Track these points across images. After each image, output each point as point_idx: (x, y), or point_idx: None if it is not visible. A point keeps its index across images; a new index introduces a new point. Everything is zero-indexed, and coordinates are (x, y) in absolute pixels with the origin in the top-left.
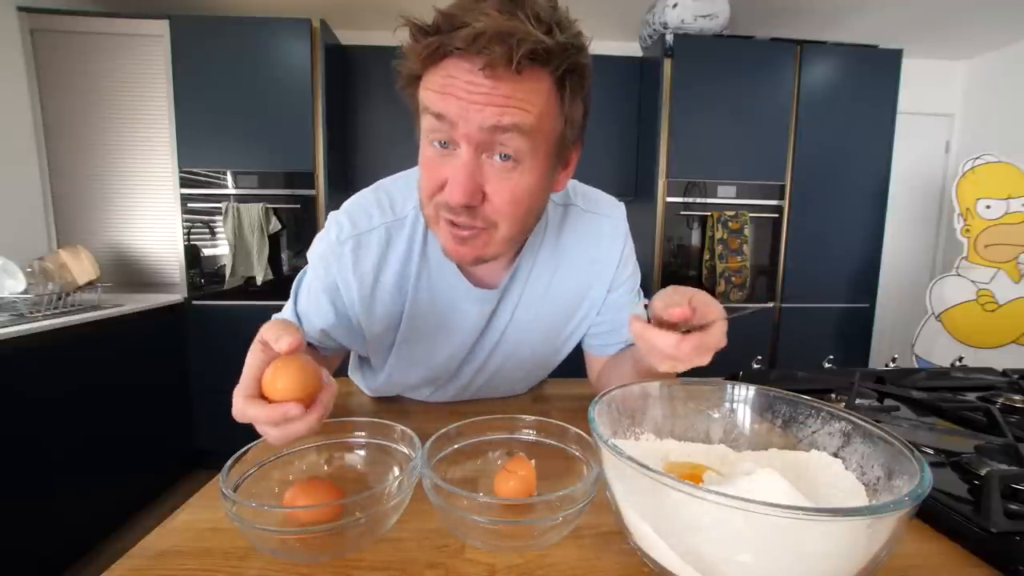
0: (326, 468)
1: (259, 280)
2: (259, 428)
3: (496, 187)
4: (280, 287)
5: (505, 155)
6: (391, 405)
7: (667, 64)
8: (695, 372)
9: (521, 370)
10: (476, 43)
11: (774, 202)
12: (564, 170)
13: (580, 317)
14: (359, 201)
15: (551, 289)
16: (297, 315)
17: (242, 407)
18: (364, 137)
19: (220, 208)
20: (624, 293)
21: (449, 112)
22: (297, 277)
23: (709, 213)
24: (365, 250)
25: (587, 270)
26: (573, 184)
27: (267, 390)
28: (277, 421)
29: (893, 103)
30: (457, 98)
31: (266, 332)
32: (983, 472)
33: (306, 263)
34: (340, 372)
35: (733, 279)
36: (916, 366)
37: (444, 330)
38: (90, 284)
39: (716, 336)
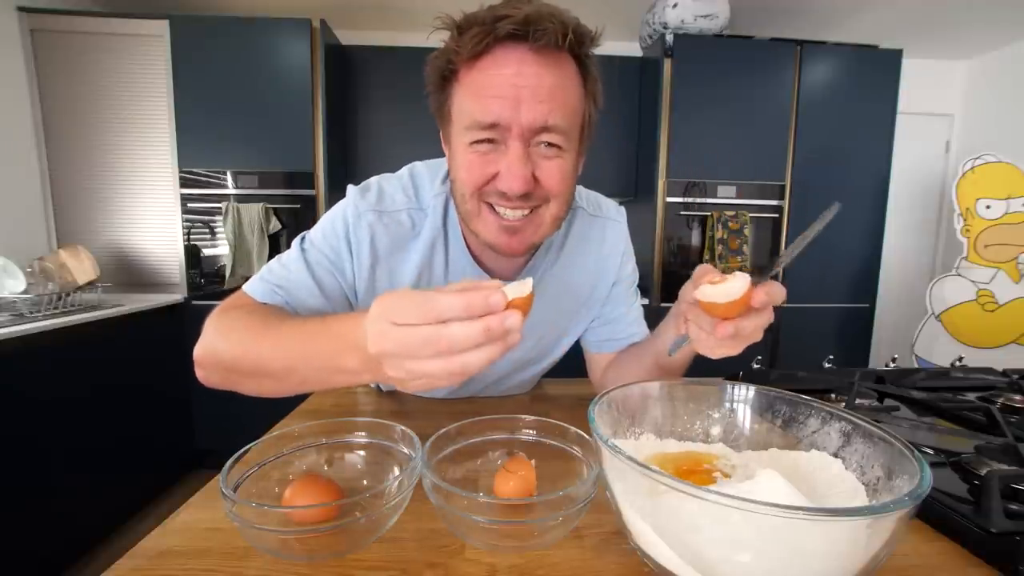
0: (326, 468)
1: None
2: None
3: (545, 171)
4: None
5: (550, 144)
6: (391, 405)
7: (667, 64)
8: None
9: (521, 365)
10: (529, 23)
11: (774, 202)
12: (581, 157)
13: (585, 312)
14: (384, 181)
15: (559, 286)
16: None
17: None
18: (364, 137)
19: (220, 208)
20: (625, 288)
21: (500, 116)
22: (292, 250)
23: (709, 213)
24: (383, 227)
25: (593, 270)
26: (577, 188)
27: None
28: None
29: (893, 103)
30: (504, 98)
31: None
32: (983, 472)
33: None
34: None
35: None
36: (916, 366)
37: None
38: (90, 284)
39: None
